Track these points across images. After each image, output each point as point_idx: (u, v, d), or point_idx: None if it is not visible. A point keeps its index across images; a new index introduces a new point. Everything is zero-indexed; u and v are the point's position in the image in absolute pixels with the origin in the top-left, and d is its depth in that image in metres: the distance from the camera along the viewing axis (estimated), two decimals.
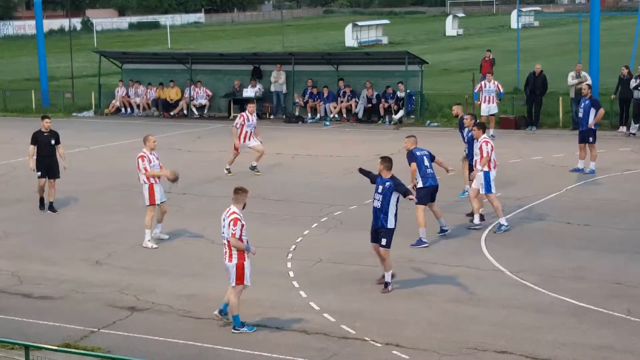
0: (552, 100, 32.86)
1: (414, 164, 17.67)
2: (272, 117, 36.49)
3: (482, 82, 30.67)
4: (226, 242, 13.38)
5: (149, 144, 18.27)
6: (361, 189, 22.61)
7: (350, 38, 77.09)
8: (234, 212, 13.36)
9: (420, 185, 17.70)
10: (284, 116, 35.97)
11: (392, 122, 33.83)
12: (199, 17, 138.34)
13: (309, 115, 35.74)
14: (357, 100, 34.97)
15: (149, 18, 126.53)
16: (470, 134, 19.61)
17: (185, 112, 37.85)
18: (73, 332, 13.56)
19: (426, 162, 17.79)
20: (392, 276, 15.30)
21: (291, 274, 16.31)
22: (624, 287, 14.90)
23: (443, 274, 16.06)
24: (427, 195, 17.76)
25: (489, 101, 29.94)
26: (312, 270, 16.52)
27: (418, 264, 16.61)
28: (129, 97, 38.98)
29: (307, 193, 22.64)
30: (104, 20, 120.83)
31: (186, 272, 16.54)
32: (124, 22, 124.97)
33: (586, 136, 23.42)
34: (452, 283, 15.50)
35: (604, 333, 13.00)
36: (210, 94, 37.71)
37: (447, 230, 18.33)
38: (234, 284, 13.37)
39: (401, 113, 33.91)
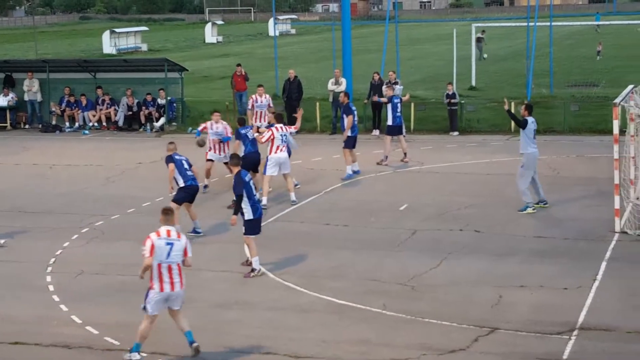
0: (309, 105, 33.73)
1: (172, 164, 18.53)
2: (27, 126, 35.28)
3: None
4: (177, 266, 12.46)
5: None
6: (123, 198, 22.38)
7: (108, 45, 75.84)
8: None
9: (181, 184, 18.50)
10: (40, 125, 34.88)
11: (154, 130, 33.62)
12: None
13: (67, 124, 34.82)
14: (117, 108, 34.48)
15: None
16: None
17: None
18: None
19: (185, 165, 18.61)
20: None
21: (51, 287, 15.89)
22: (379, 283, 15.59)
23: (208, 279, 16.18)
24: (187, 195, 18.61)
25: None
26: (73, 283, 16.17)
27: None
28: None
29: (66, 204, 22.10)
30: None
31: None
32: None
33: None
34: (217, 288, 15.65)
35: (362, 328, 13.55)
36: None
37: (200, 233, 18.94)
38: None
39: (162, 120, 33.76)
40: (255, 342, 13.10)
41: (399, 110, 25.87)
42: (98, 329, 13.79)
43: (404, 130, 28.60)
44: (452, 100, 30.83)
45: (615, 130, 17.90)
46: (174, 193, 18.64)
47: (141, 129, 33.90)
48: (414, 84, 43.27)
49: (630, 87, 19.82)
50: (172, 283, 12.36)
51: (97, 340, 13.35)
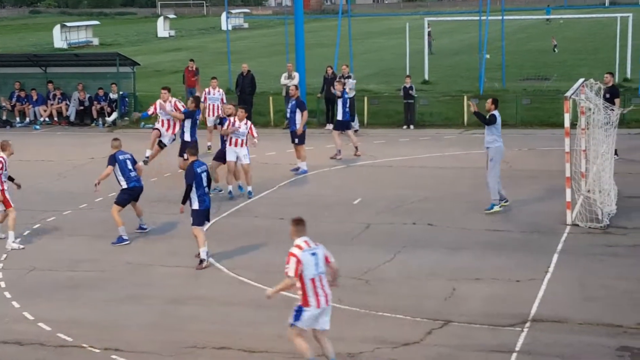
0: (263, 99, 33.71)
1: (110, 167, 18.12)
2: None
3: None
4: (325, 277, 11.46)
5: (9, 150, 18.46)
6: (75, 194, 22.17)
7: (59, 39, 75.10)
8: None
9: (124, 186, 18.16)
10: None
11: (106, 125, 33.37)
12: None
13: (18, 119, 34.48)
14: (68, 102, 34.18)
15: None
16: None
17: None
18: None
19: (129, 166, 18.25)
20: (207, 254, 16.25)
21: (2, 284, 15.73)
22: None
23: (162, 275, 16.10)
24: (130, 196, 18.32)
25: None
26: (25, 279, 16.02)
27: (136, 267, 16.54)
28: None
29: (18, 199, 21.76)
30: None
31: None
32: None
33: (293, 137, 24.20)
34: (171, 284, 15.57)
35: None
36: None
37: (146, 229, 18.83)
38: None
39: (115, 115, 33.52)
40: (210, 337, 13.05)
41: (348, 105, 26.07)
42: (50, 325, 13.67)
43: (357, 124, 28.79)
44: (410, 93, 30.94)
45: (567, 123, 18.09)
46: (117, 194, 18.41)
47: (93, 124, 33.66)
48: (367, 78, 43.43)
49: (581, 80, 20.03)
50: (325, 295, 11.40)
51: (49, 337, 13.24)
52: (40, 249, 17.93)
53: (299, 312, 11.40)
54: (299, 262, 11.21)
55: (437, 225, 18.72)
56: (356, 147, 26.10)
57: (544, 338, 12.67)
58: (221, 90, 28.08)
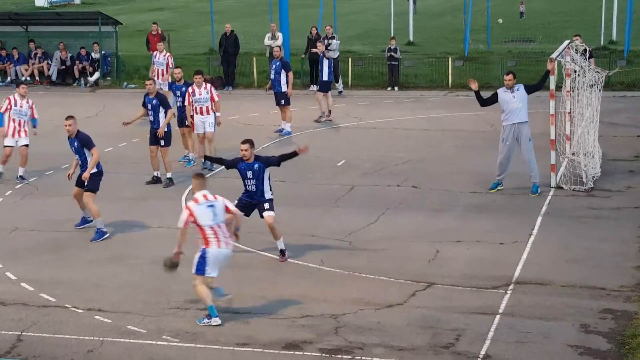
0: (246, 60, 33.49)
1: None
2: None
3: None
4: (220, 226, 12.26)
5: None
6: (57, 153, 21.99)
7: None
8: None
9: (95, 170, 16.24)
10: None
11: (88, 85, 33.10)
12: None
13: None
14: (50, 62, 33.86)
15: None
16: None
17: None
18: None
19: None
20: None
21: None
22: (318, 238, 15.59)
23: (144, 236, 16.04)
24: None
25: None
26: (7, 239, 15.95)
27: (117, 227, 16.45)
28: None
29: None
30: None
31: None
32: None
33: (278, 98, 24.04)
34: (153, 245, 15.50)
35: (301, 283, 13.55)
36: None
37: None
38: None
39: (97, 75, 33.25)
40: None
41: (332, 65, 26.11)
42: (33, 285, 13.60)
43: (341, 85, 28.69)
44: (394, 55, 30.79)
45: (552, 85, 18.03)
46: None
47: (75, 84, 33.41)
48: (352, 39, 43.20)
49: (566, 42, 19.96)
50: (226, 241, 12.36)
51: (32, 297, 13.18)
52: (22, 210, 17.83)
53: (202, 258, 12.17)
54: (190, 214, 12.09)
55: (421, 188, 18.70)
56: (330, 111, 25.82)
57: (527, 300, 12.69)
58: (168, 54, 27.03)
